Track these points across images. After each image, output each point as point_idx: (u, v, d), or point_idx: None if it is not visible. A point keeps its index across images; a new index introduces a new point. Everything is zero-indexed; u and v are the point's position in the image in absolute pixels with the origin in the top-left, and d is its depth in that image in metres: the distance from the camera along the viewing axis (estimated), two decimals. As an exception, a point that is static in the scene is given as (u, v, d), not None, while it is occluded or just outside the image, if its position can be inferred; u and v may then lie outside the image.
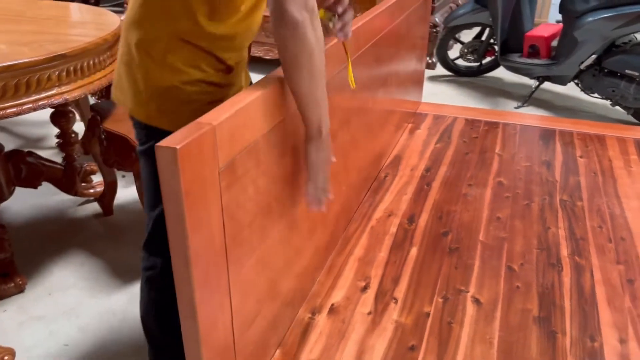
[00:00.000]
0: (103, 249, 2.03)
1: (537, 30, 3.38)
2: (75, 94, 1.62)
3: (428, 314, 1.30)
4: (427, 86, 3.81)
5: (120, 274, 1.90)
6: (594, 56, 3.02)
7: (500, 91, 3.72)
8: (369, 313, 1.30)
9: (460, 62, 3.94)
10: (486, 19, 3.50)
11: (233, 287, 0.93)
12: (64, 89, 1.59)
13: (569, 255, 1.52)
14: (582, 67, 3.08)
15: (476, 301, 1.34)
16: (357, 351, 1.19)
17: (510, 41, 3.47)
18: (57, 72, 1.56)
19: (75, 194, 2.29)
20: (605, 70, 3.03)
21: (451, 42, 3.97)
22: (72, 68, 1.60)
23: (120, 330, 1.66)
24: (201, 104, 1.08)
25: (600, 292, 1.38)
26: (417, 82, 2.47)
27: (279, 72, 1.03)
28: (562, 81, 3.24)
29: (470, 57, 3.78)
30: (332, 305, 1.33)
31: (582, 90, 3.20)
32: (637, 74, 2.88)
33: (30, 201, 2.30)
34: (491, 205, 1.76)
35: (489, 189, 1.86)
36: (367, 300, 1.34)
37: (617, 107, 3.14)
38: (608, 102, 3.15)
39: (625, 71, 2.92)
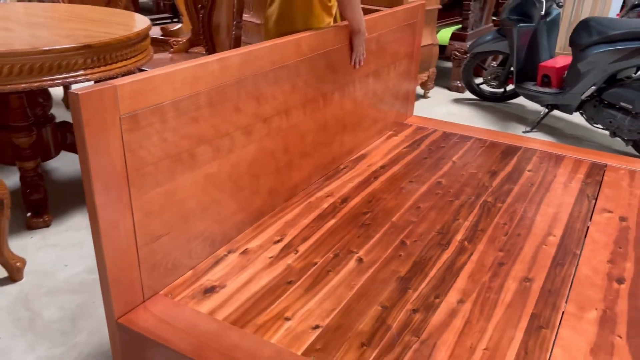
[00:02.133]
0: (118, 206, 2.52)
1: (551, 61, 3.56)
2: (97, 77, 2.12)
3: (315, 263, 1.63)
4: (449, 107, 4.08)
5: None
6: (594, 87, 3.17)
7: (517, 117, 3.90)
8: (271, 257, 1.66)
9: (485, 87, 4.15)
10: (505, 47, 3.72)
11: (135, 204, 1.33)
12: (88, 72, 2.09)
13: (460, 240, 1.79)
14: (584, 97, 3.23)
15: (359, 260, 1.66)
16: (247, 279, 1.55)
17: (527, 70, 3.66)
18: (83, 59, 2.06)
19: (108, 162, 2.82)
20: (605, 102, 3.16)
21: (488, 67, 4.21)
22: (95, 57, 2.10)
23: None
24: None
25: (469, 268, 1.64)
26: (403, 97, 2.78)
27: (200, 60, 1.44)
28: (568, 110, 3.40)
29: (492, 83, 4.00)
30: (246, 249, 1.70)
31: (585, 119, 3.34)
32: (630, 106, 3.00)
33: (73, 165, 2.87)
34: (419, 198, 2.05)
35: (425, 186, 2.15)
36: (275, 249, 1.70)
37: (618, 138, 3.25)
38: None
39: (621, 103, 3.05)
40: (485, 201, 2.05)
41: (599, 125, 3.29)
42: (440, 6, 4.00)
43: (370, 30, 2.26)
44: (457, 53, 4.31)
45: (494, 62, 4.52)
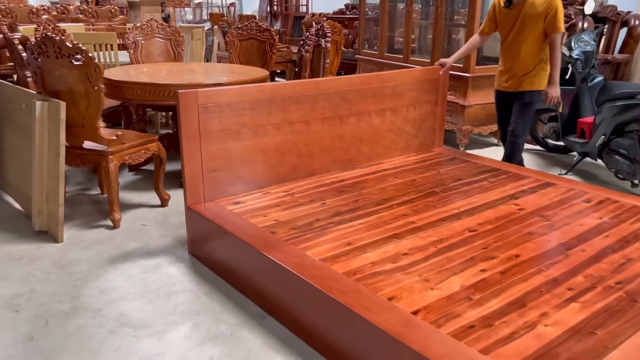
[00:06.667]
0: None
1: (588, 118, 4.26)
2: (223, 101, 3.71)
3: (298, 201, 2.89)
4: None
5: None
6: (604, 137, 3.84)
7: (566, 164, 4.57)
8: (277, 197, 2.96)
9: (550, 140, 4.89)
10: (555, 106, 4.50)
11: (202, 149, 2.78)
12: (218, 98, 3.69)
13: (392, 204, 2.88)
14: (597, 145, 3.90)
15: (323, 204, 2.87)
16: (257, 202, 2.88)
17: (571, 125, 4.40)
18: (217, 90, 3.66)
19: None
20: (613, 150, 3.81)
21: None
22: (224, 90, 3.69)
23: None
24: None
25: (382, 214, 2.74)
26: (429, 130, 3.87)
27: (245, 85, 2.89)
28: (593, 157, 4.06)
29: (552, 135, 4.74)
30: (267, 192, 3.03)
31: (604, 164, 3.98)
32: (626, 152, 3.64)
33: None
34: (391, 185, 3.17)
35: (402, 180, 3.25)
36: (282, 194, 3.00)
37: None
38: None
39: (620, 150, 3.69)
40: (434, 191, 3.08)
41: (613, 170, 3.90)
42: (510, 72, 4.94)
43: (387, 80, 3.49)
44: (531, 111, 5.12)
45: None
